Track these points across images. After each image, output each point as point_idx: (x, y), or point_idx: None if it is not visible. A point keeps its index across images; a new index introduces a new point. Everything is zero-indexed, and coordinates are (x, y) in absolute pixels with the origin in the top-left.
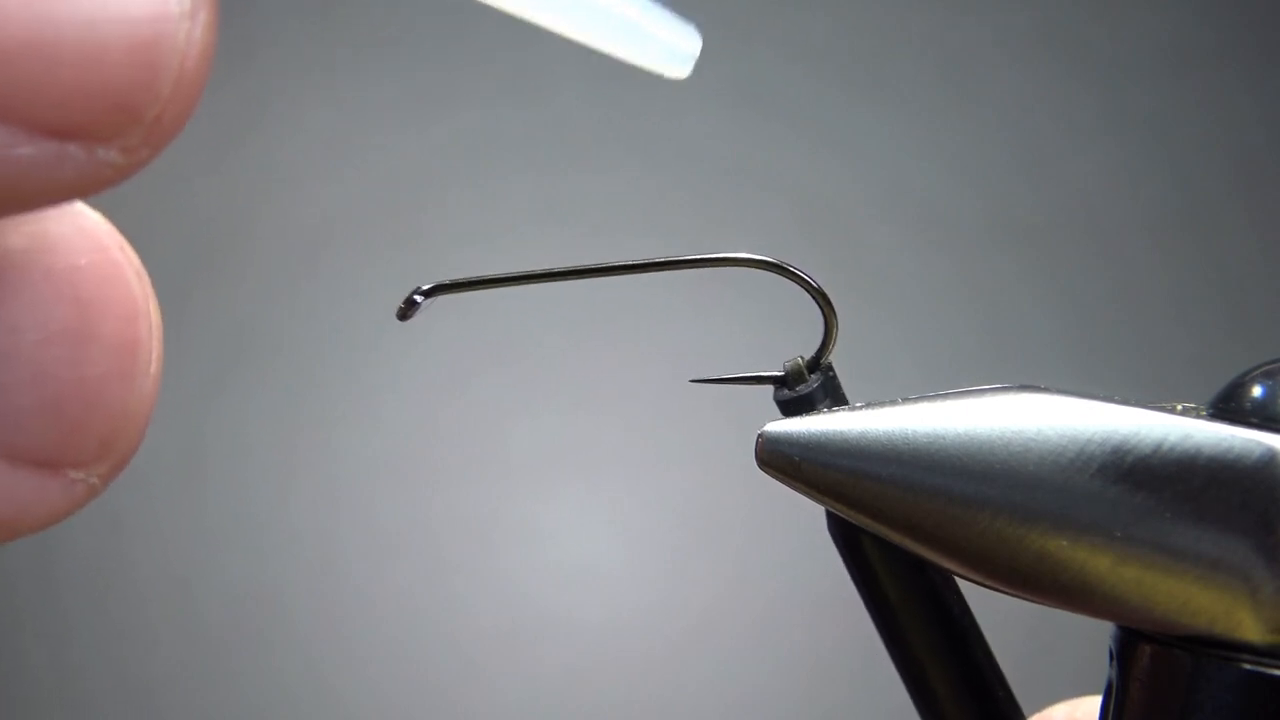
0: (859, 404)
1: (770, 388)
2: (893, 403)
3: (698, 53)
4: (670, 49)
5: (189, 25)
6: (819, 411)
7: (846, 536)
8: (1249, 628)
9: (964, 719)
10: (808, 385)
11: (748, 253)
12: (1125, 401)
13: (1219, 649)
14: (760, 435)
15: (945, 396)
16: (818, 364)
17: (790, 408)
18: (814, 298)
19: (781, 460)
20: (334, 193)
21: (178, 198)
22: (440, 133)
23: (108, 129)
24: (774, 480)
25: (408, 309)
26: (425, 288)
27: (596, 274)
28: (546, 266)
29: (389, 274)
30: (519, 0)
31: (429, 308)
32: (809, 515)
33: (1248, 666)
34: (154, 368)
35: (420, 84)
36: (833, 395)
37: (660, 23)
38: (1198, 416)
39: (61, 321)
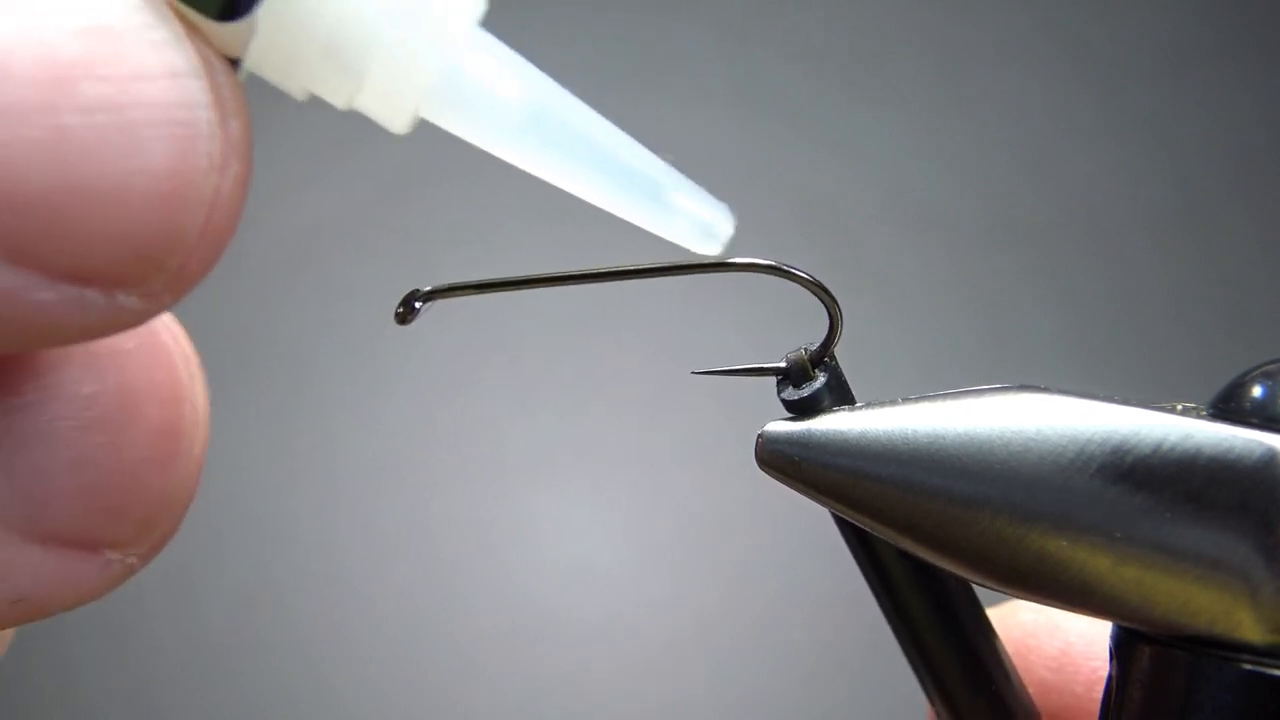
0: (859, 404)
1: (771, 383)
2: (893, 403)
3: (730, 232)
4: (703, 227)
5: (217, 179)
6: (824, 409)
7: (856, 526)
8: (1249, 628)
9: (969, 701)
10: (813, 384)
11: (747, 254)
12: (1125, 401)
13: (1219, 649)
14: (760, 435)
15: (945, 396)
16: (823, 357)
17: (796, 407)
18: (816, 295)
19: (781, 460)
20: (332, 193)
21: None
22: (439, 132)
23: (129, 276)
24: (774, 480)
25: (407, 314)
26: (424, 292)
27: (596, 279)
28: (544, 267)
29: (388, 274)
30: (550, 167)
31: (427, 311)
32: (809, 515)
33: (1248, 666)
34: (197, 451)
35: None
36: (838, 390)
37: (693, 200)
38: (1198, 416)
39: (103, 406)
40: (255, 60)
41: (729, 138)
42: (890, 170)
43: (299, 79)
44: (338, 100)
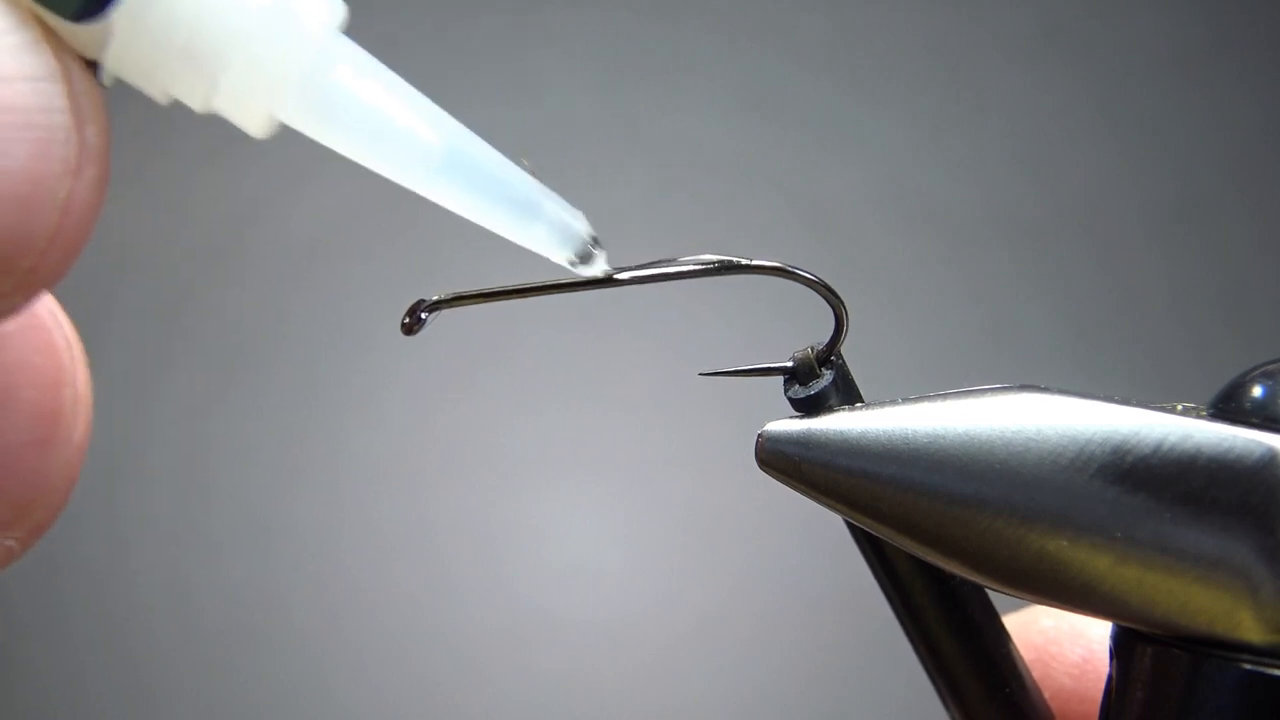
0: (859, 404)
1: (771, 383)
2: (893, 403)
3: (587, 235)
4: (564, 231)
5: (71, 183)
6: (831, 406)
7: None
8: (1249, 628)
9: (984, 706)
10: (820, 381)
11: (747, 254)
12: (1125, 401)
13: (1219, 649)
14: (760, 435)
15: (945, 396)
16: (829, 356)
17: (803, 405)
18: (822, 295)
19: (781, 460)
20: (333, 195)
21: (179, 200)
22: None
23: None
24: (774, 480)
25: (413, 324)
26: (429, 302)
27: (600, 285)
28: (545, 268)
29: (389, 275)
30: (406, 174)
31: (434, 321)
32: (809, 515)
33: (1248, 666)
34: (77, 437)
35: (419, 84)
36: (845, 388)
37: (555, 207)
38: (1198, 416)
39: None
40: (115, 62)
41: (730, 138)
42: (890, 169)
43: (158, 81)
44: (195, 102)
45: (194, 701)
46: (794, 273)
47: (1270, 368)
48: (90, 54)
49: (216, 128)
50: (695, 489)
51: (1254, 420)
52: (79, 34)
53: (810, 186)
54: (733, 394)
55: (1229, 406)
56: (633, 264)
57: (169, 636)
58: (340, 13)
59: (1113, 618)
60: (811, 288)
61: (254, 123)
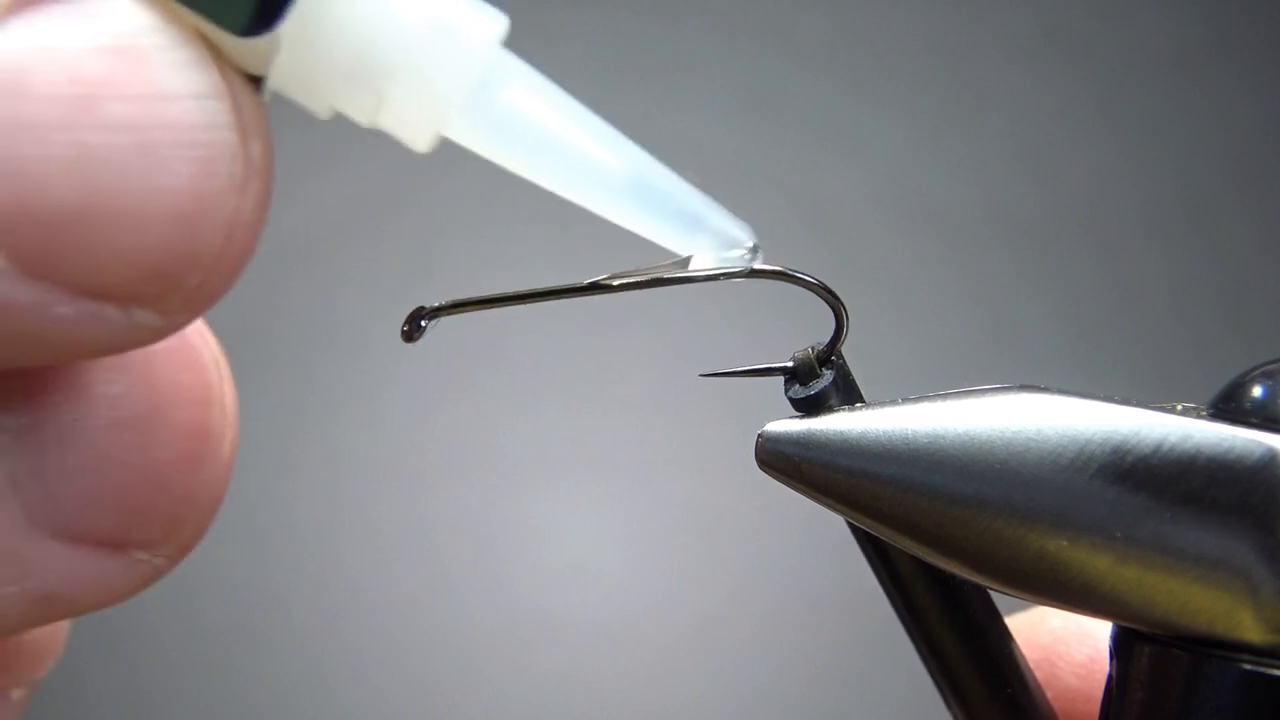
0: (859, 404)
1: (772, 383)
2: (893, 403)
3: (750, 248)
4: (728, 245)
5: (237, 200)
6: (831, 407)
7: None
8: (1249, 628)
9: (986, 707)
10: (820, 381)
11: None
12: (1125, 401)
13: (1219, 649)
14: (760, 435)
15: (945, 396)
16: (829, 356)
17: (803, 405)
18: (822, 297)
19: (781, 460)
20: (333, 191)
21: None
22: None
23: (146, 294)
24: (774, 480)
25: (413, 331)
26: (429, 309)
27: (602, 291)
28: (544, 265)
29: (389, 273)
30: (572, 188)
31: (433, 329)
32: (809, 515)
33: (1248, 666)
34: (225, 454)
35: None
36: (845, 388)
37: (720, 221)
38: (1198, 416)
39: (132, 406)
40: (279, 78)
41: (730, 138)
42: (890, 169)
43: (323, 97)
44: (360, 118)
45: (193, 701)
46: (795, 276)
47: (1270, 368)
48: (254, 70)
49: None
50: (695, 489)
51: (1254, 420)
52: (243, 49)
53: (810, 186)
54: (733, 394)
55: (1229, 406)
56: (633, 267)
57: (168, 637)
58: (503, 26)
59: (1113, 618)
60: (812, 290)
61: (419, 139)
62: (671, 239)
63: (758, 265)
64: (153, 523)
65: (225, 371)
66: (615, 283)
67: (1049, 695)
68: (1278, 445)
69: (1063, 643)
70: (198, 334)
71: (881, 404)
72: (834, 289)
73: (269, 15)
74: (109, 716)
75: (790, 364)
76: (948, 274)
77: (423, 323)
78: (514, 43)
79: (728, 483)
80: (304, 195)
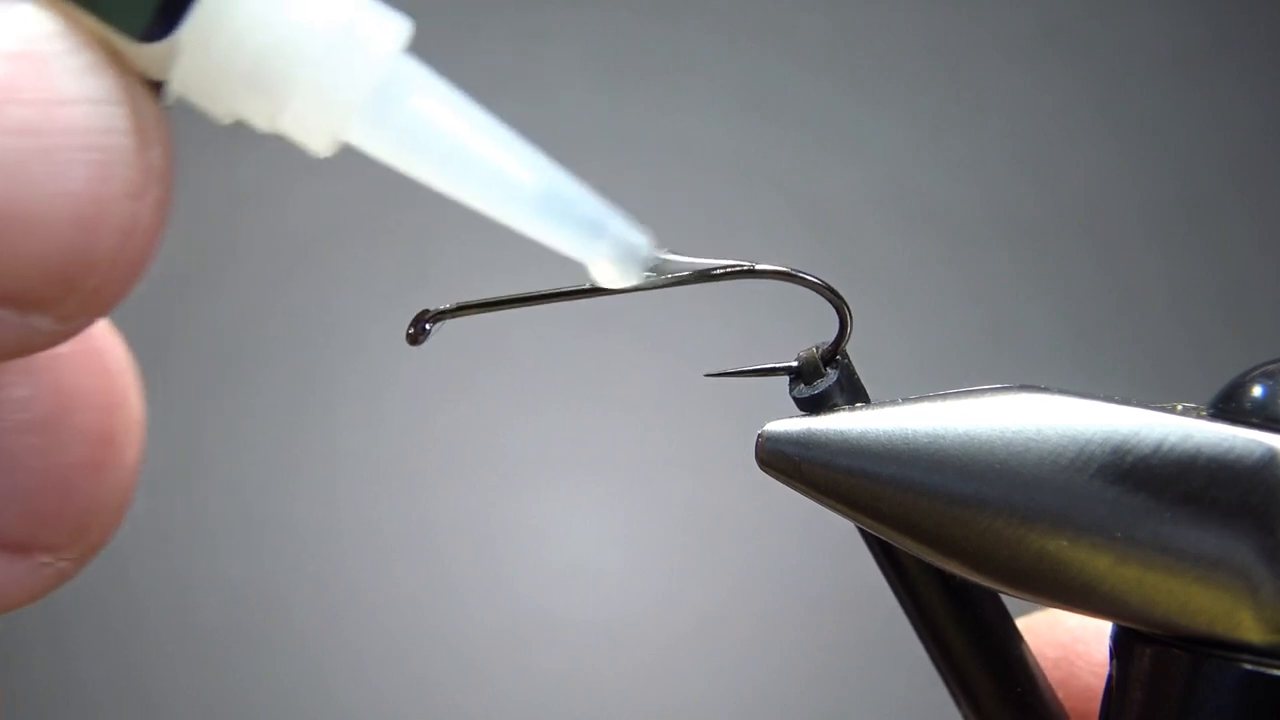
0: (859, 405)
1: (772, 383)
2: (893, 403)
3: (647, 255)
4: (627, 251)
5: (134, 205)
6: (836, 406)
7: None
8: (1249, 628)
9: (996, 708)
10: (825, 381)
11: (747, 253)
12: (1125, 401)
13: (1219, 649)
14: (760, 435)
15: (945, 396)
16: (834, 355)
17: (807, 404)
18: (827, 298)
19: (781, 460)
20: (333, 192)
21: (176, 194)
22: None
23: (43, 298)
24: (774, 480)
25: (418, 334)
26: (434, 313)
27: (604, 294)
28: (543, 264)
29: (388, 272)
30: (472, 194)
31: (438, 331)
32: (809, 515)
33: (1248, 666)
34: (131, 459)
35: None
36: (850, 387)
37: (619, 227)
38: (1198, 416)
39: (36, 410)
40: (180, 83)
41: (730, 138)
42: (890, 169)
43: (223, 103)
44: (260, 123)
45: (192, 701)
46: (799, 277)
47: (1270, 368)
48: (154, 74)
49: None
50: (695, 489)
51: (1254, 420)
52: (143, 54)
53: (810, 186)
54: (733, 394)
55: (1229, 406)
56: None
57: (167, 637)
58: (405, 32)
59: (1113, 618)
60: (816, 290)
61: (318, 143)
62: (572, 247)
63: (761, 265)
64: (58, 526)
65: (132, 376)
66: (614, 286)
67: (1067, 694)
68: (1278, 445)
69: (1081, 641)
70: (104, 337)
71: (881, 404)
72: (837, 289)
73: (168, 20)
74: (109, 716)
75: (795, 364)
76: (948, 274)
77: (427, 326)
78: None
79: (728, 483)
80: (304, 195)
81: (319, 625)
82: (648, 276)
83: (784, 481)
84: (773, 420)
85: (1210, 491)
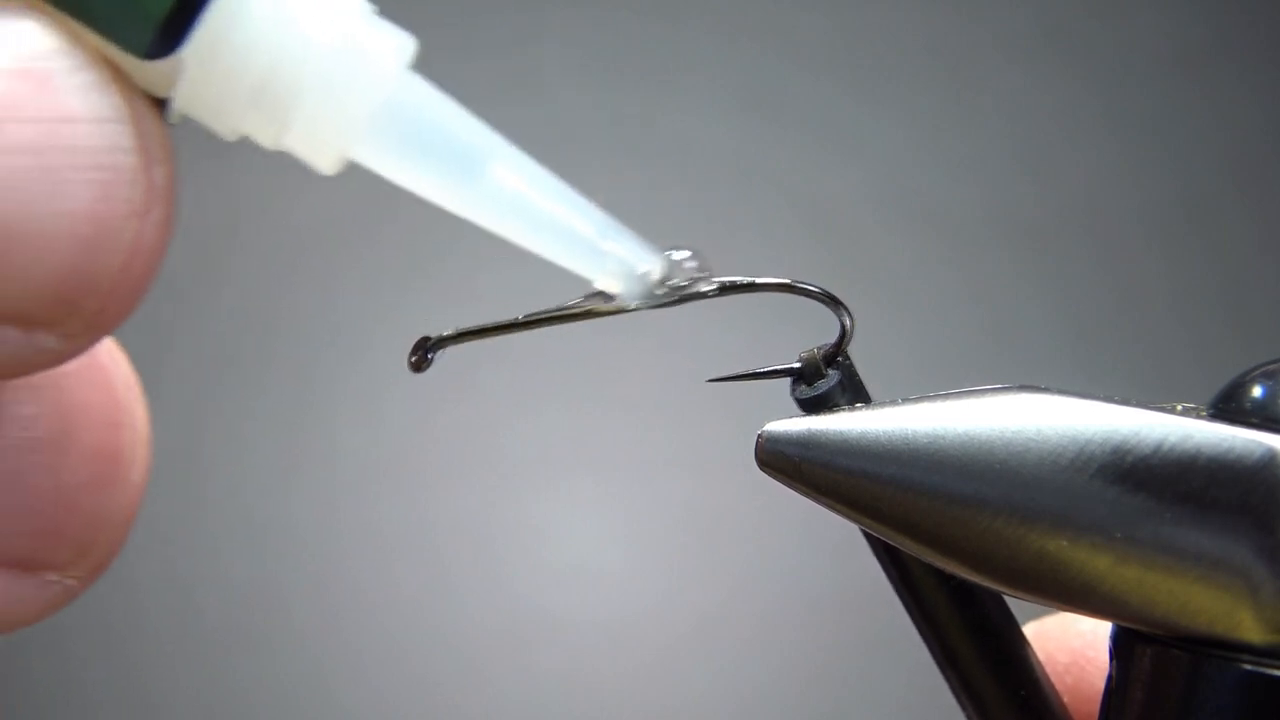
0: (859, 405)
1: (773, 384)
2: (893, 403)
3: (656, 275)
4: (630, 271)
5: (138, 224)
6: (837, 407)
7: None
8: (1249, 628)
9: (1002, 712)
10: (826, 382)
11: (747, 253)
12: (1125, 401)
13: (1219, 649)
14: (760, 435)
15: (945, 396)
16: (835, 356)
17: (809, 405)
18: (827, 305)
19: (781, 460)
20: (333, 191)
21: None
22: None
23: (46, 317)
24: (774, 481)
25: (420, 362)
26: (436, 339)
27: (605, 315)
28: (542, 269)
29: (389, 274)
30: (477, 212)
31: (441, 358)
32: (809, 515)
33: (1248, 666)
34: (137, 476)
35: None
36: (852, 388)
37: (623, 246)
38: (1198, 416)
39: (42, 428)
40: (184, 101)
41: (730, 138)
42: (890, 169)
43: (228, 120)
44: (265, 141)
45: (192, 701)
46: (800, 288)
47: (1270, 368)
48: (159, 92)
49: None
50: (695, 489)
51: (1254, 420)
52: (148, 72)
53: (810, 186)
54: (733, 395)
55: (1229, 406)
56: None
57: (167, 637)
58: (410, 49)
59: (1113, 618)
60: (818, 300)
61: (324, 161)
62: (580, 265)
63: (760, 279)
64: (64, 544)
65: (137, 393)
66: (616, 306)
67: (1078, 700)
68: (1278, 445)
69: (1092, 646)
70: (109, 355)
71: (881, 404)
72: (836, 293)
73: (172, 38)
74: (109, 716)
75: (797, 365)
76: (948, 274)
77: (429, 354)
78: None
79: (728, 483)
80: (304, 196)
81: (319, 625)
82: (655, 295)
83: (784, 482)
84: (772, 420)
85: (1210, 491)
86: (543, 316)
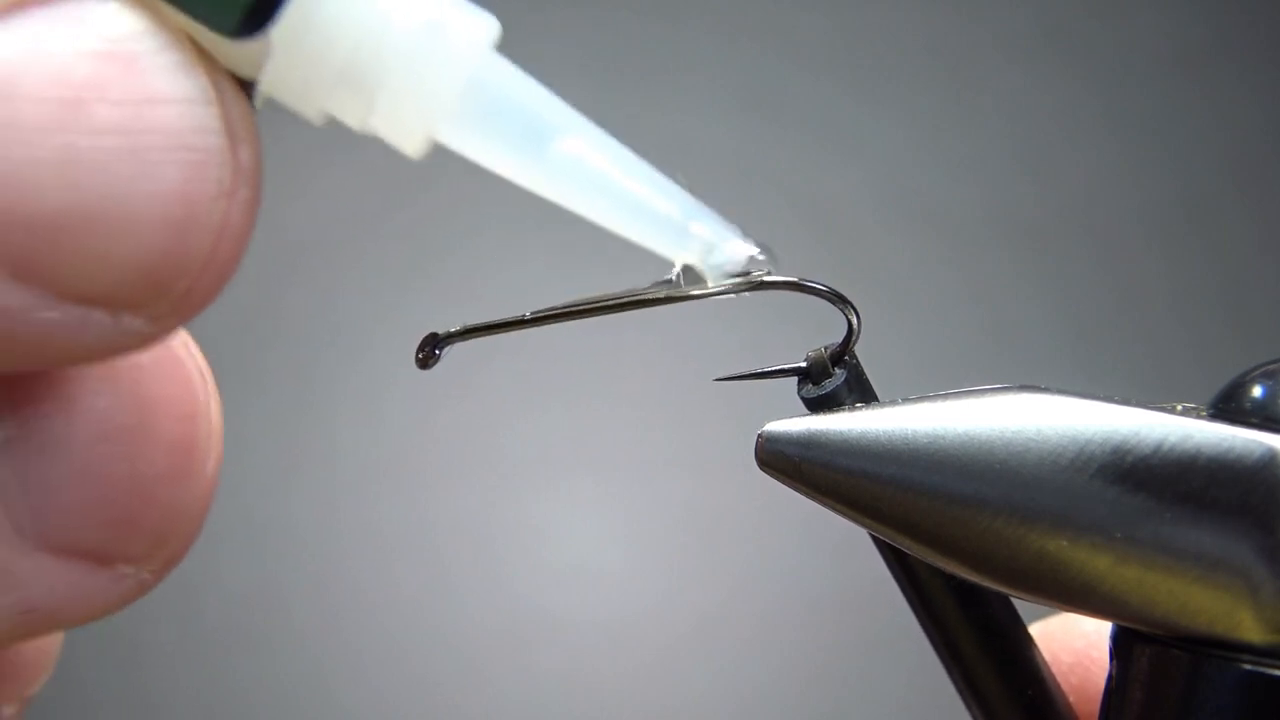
0: (859, 405)
1: (774, 384)
2: (893, 403)
3: (742, 255)
4: (713, 253)
5: (226, 205)
6: (844, 406)
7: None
8: (1249, 628)
9: (1007, 712)
10: (833, 381)
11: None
12: (1125, 401)
13: (1219, 649)
14: (760, 435)
15: (945, 396)
16: (842, 356)
17: (815, 404)
18: (834, 304)
19: (781, 460)
20: (333, 191)
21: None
22: None
23: (134, 299)
24: (774, 481)
25: (427, 359)
26: (442, 336)
27: (614, 309)
28: (543, 267)
29: (389, 274)
30: (562, 192)
31: (447, 355)
32: (809, 515)
33: (1248, 666)
34: (211, 468)
35: None
36: (859, 387)
37: (708, 227)
38: (1198, 416)
39: (118, 419)
40: (270, 82)
41: (730, 138)
42: (890, 169)
43: (315, 101)
44: (353, 122)
45: (193, 701)
46: (808, 286)
47: (1270, 368)
48: (245, 74)
49: None
50: (695, 489)
51: (1254, 420)
52: (234, 54)
53: (810, 186)
54: (733, 394)
55: (1229, 406)
56: (640, 286)
57: (167, 637)
58: (494, 30)
59: (1113, 618)
60: (825, 298)
61: (410, 143)
62: (663, 245)
63: (768, 277)
64: (139, 536)
65: (211, 385)
66: (629, 300)
67: (1082, 700)
68: (1278, 445)
69: (1096, 647)
70: (183, 347)
71: (881, 404)
72: (843, 291)
73: (260, 18)
74: (109, 716)
75: (803, 364)
76: (948, 274)
77: (437, 350)
78: (513, 43)
79: (728, 483)
80: (304, 195)
81: (319, 625)
82: (668, 285)
83: (784, 482)
84: (773, 420)
85: (1210, 491)
86: (551, 313)
